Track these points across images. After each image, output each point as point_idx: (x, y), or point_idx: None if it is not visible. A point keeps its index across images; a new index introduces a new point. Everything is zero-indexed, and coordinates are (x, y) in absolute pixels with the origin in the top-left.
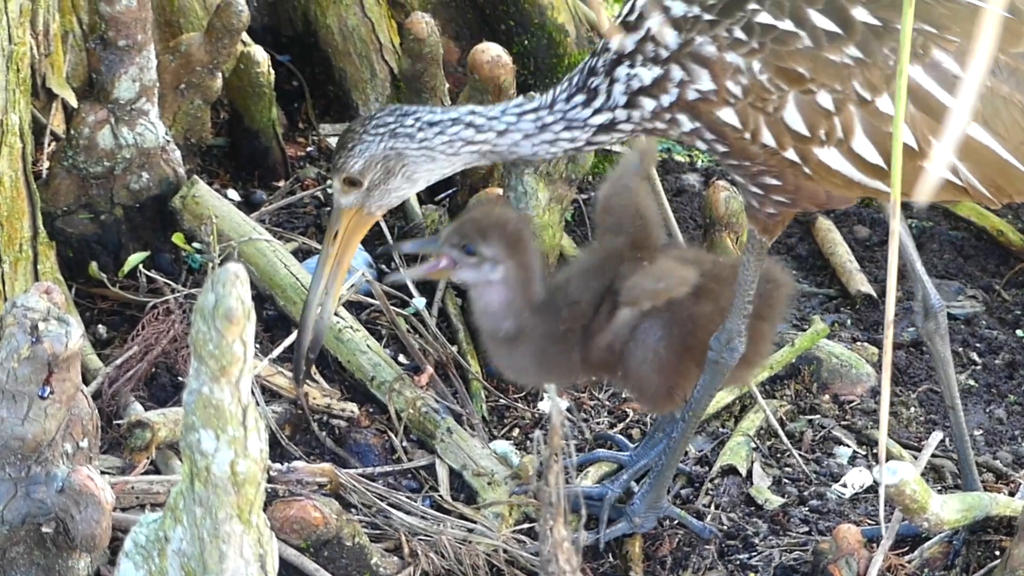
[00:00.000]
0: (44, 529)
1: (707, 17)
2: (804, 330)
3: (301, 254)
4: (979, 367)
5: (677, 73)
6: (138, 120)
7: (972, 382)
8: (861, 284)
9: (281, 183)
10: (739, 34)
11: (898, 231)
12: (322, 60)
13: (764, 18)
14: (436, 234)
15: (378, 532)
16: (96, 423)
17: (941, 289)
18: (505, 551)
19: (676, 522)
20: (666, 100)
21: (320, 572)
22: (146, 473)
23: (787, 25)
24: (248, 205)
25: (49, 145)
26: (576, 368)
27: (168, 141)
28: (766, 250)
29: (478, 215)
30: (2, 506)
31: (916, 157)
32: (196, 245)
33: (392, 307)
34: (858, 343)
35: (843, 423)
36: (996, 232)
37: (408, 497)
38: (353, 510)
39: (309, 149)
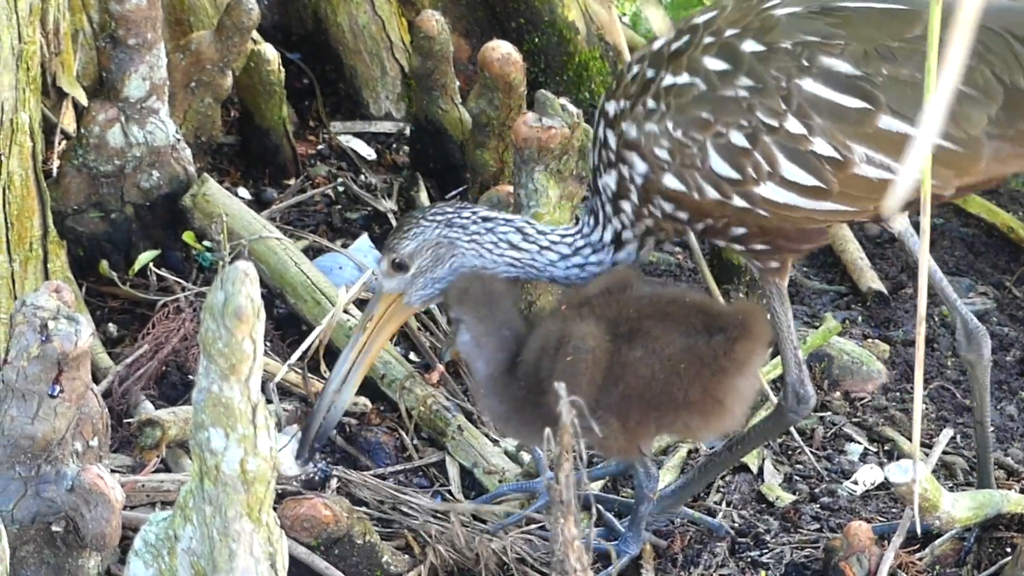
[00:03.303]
0: (54, 528)
1: (628, 104)
2: (816, 327)
3: (312, 252)
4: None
5: (625, 170)
6: (148, 118)
7: None
8: (872, 281)
9: (292, 181)
10: (651, 104)
11: (926, 241)
12: (332, 58)
13: (667, 80)
14: None
15: (389, 531)
16: (106, 422)
17: (952, 285)
18: (515, 548)
19: (687, 519)
20: (634, 197)
21: (330, 570)
22: (156, 472)
23: (684, 78)
24: (258, 203)
25: (59, 144)
26: (543, 426)
27: (178, 139)
28: (786, 290)
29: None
30: (12, 505)
31: (843, 166)
32: (206, 243)
33: None
34: (869, 340)
35: (854, 420)
36: (1007, 229)
37: (417, 492)
38: (364, 507)
39: (320, 147)
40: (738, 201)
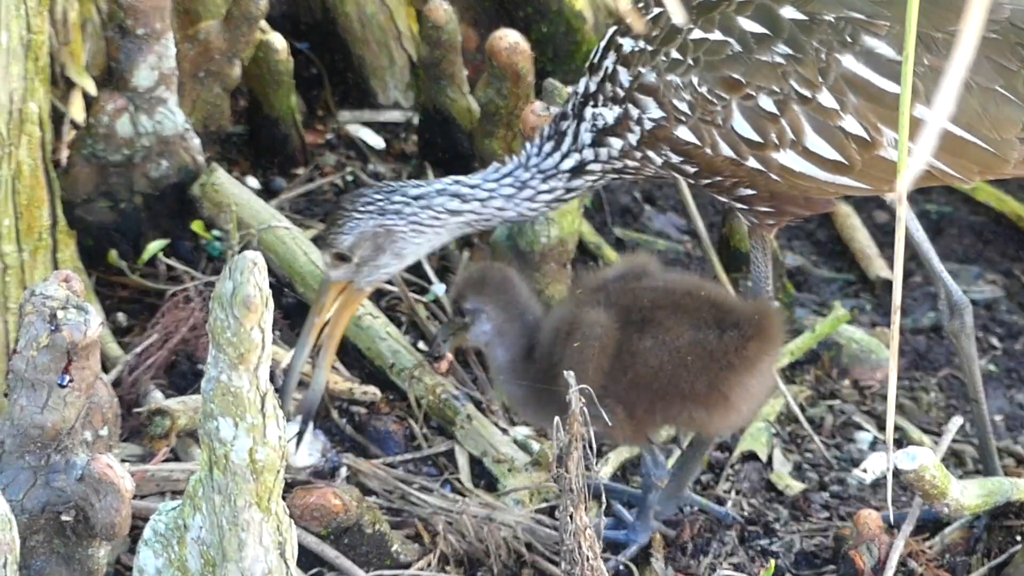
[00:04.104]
0: (64, 517)
1: (649, 48)
2: (824, 316)
3: (320, 241)
4: (999, 352)
5: (633, 111)
6: (157, 108)
7: (992, 367)
8: (880, 269)
9: (300, 170)
10: (675, 55)
11: (904, 220)
12: (341, 47)
13: (696, 34)
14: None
15: (399, 519)
16: (116, 411)
17: (961, 274)
18: (527, 532)
19: (696, 508)
20: (633, 139)
21: (340, 560)
22: (166, 461)
23: (716, 35)
24: (267, 192)
25: (68, 134)
26: (556, 411)
27: (187, 129)
28: (769, 242)
29: (460, 276)
30: (22, 494)
31: (870, 147)
32: (215, 233)
33: (411, 294)
34: (878, 328)
35: (863, 408)
36: (1016, 217)
37: (428, 481)
38: (373, 496)
39: (328, 136)
40: (752, 163)
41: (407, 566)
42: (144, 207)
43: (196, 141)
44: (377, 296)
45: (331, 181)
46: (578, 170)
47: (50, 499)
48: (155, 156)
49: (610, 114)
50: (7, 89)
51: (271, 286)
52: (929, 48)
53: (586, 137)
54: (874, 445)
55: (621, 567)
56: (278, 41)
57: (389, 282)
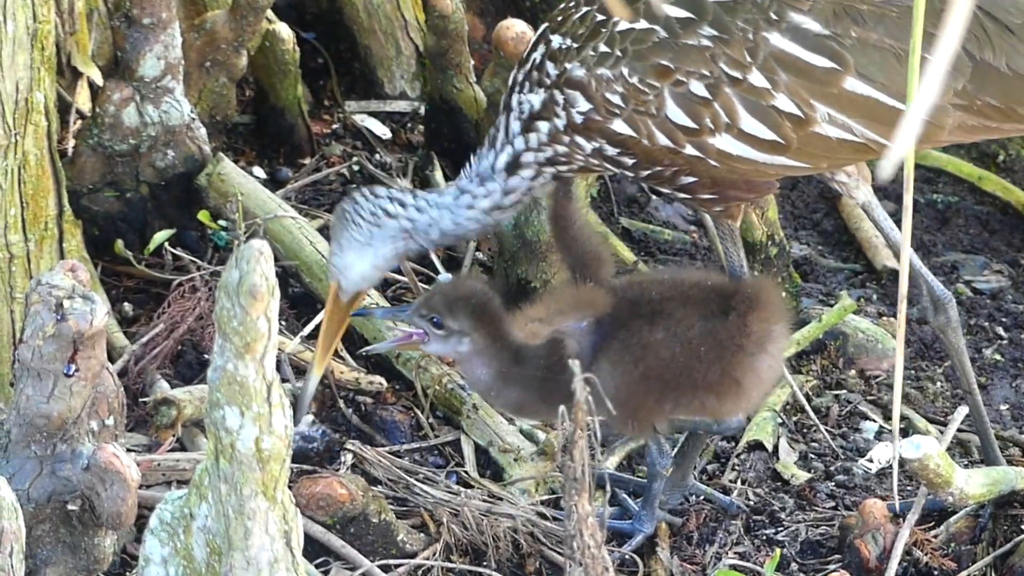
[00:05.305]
0: (70, 507)
1: (576, 45)
2: (831, 305)
3: (327, 231)
4: (1005, 341)
5: (559, 97)
6: (163, 98)
7: (998, 356)
8: (887, 259)
9: (307, 160)
10: (603, 48)
11: (909, 208)
12: (347, 37)
13: (622, 25)
14: (405, 305)
15: (404, 509)
16: (122, 401)
17: (967, 264)
18: (530, 523)
19: (702, 497)
20: (559, 123)
21: (346, 549)
22: (172, 450)
23: (642, 24)
24: (274, 182)
25: (74, 123)
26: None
27: (193, 119)
28: (737, 231)
29: (446, 288)
30: (28, 484)
31: (804, 124)
32: (222, 222)
33: (419, 283)
34: (884, 318)
35: (869, 398)
36: (1022, 207)
37: (433, 472)
38: (379, 486)
39: (335, 126)
40: (690, 150)
41: (412, 555)
42: (150, 197)
43: (202, 131)
44: (384, 285)
45: (337, 171)
46: (513, 166)
47: (56, 488)
48: (161, 146)
49: (536, 98)
50: (13, 79)
51: (277, 275)
52: (856, 20)
53: (515, 126)
54: (880, 435)
55: (627, 557)
56: (284, 31)
57: (397, 270)
